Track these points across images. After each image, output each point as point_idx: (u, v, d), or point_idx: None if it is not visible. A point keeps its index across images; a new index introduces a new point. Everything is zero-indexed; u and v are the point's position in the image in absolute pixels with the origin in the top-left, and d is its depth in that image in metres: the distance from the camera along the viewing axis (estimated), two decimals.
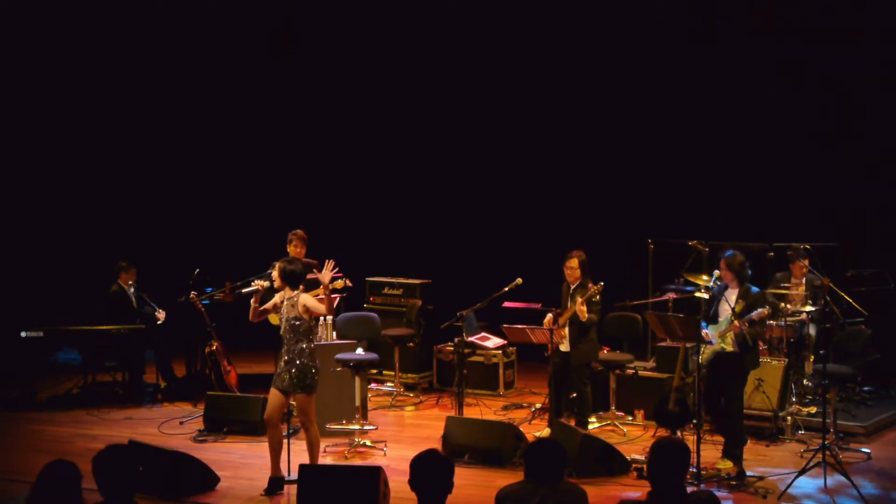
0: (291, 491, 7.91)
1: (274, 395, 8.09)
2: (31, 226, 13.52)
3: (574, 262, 9.58)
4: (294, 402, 8.19)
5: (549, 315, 9.62)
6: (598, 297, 9.47)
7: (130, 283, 11.44)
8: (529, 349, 10.57)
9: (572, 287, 9.60)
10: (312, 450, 8.17)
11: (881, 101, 11.90)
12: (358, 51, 14.19)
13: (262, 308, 8.27)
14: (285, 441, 8.26)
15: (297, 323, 8.01)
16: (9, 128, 13.51)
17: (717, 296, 8.64)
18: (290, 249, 10.14)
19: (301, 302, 8.05)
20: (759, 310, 8.25)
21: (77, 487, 4.58)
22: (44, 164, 13.77)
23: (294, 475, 7.80)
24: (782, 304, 10.23)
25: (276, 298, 8.19)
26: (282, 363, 8.07)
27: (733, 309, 8.34)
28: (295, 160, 14.46)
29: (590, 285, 9.46)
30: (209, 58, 14.26)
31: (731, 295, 8.48)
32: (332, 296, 9.63)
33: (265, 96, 14.45)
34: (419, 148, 14.06)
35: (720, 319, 8.53)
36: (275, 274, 8.14)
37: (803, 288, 10.51)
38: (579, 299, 9.39)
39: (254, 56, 14.39)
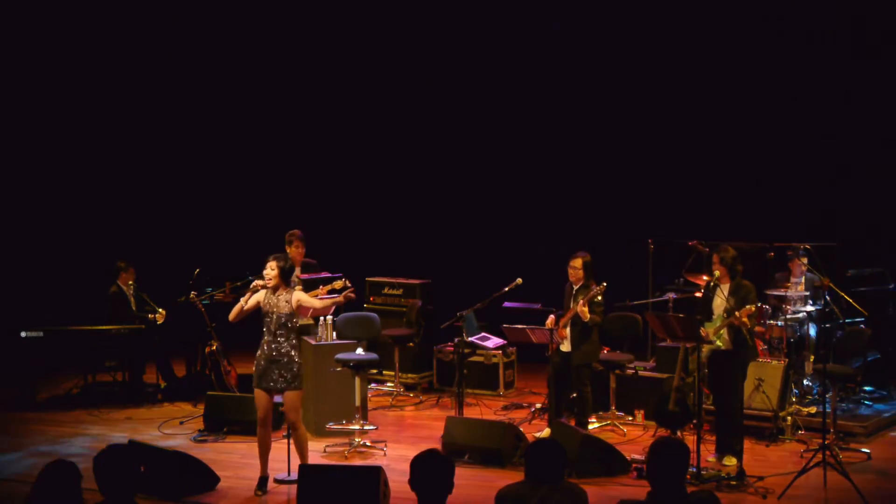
0: (291, 491, 7.91)
1: (261, 396, 8.04)
2: (30, 226, 13.52)
3: (578, 263, 9.57)
4: (283, 401, 8.10)
5: (552, 316, 9.62)
6: (600, 297, 9.45)
7: (130, 283, 11.44)
8: (529, 349, 10.57)
9: (575, 287, 9.60)
10: (303, 448, 8.14)
11: (880, 100, 11.92)
12: (358, 50, 14.18)
13: (248, 308, 8.12)
14: (284, 441, 8.28)
15: (289, 320, 7.99)
16: (9, 128, 13.50)
17: (710, 292, 8.67)
18: (292, 250, 10.15)
19: (295, 298, 8.02)
20: (747, 306, 8.28)
21: (77, 487, 4.58)
22: (43, 164, 13.76)
23: (294, 475, 7.80)
24: (786, 306, 10.24)
25: (260, 297, 8.06)
26: (262, 362, 7.98)
27: (732, 307, 8.37)
28: (294, 160, 14.45)
29: (592, 286, 9.45)
30: (209, 57, 14.26)
31: (724, 291, 8.50)
32: (332, 296, 9.67)
33: (265, 96, 14.45)
34: (419, 148, 14.06)
35: (714, 316, 8.56)
36: (273, 273, 8.01)
37: (802, 287, 10.50)
38: (581, 300, 9.39)
39: (253, 55, 14.38)
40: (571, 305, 9.54)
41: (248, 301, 8.09)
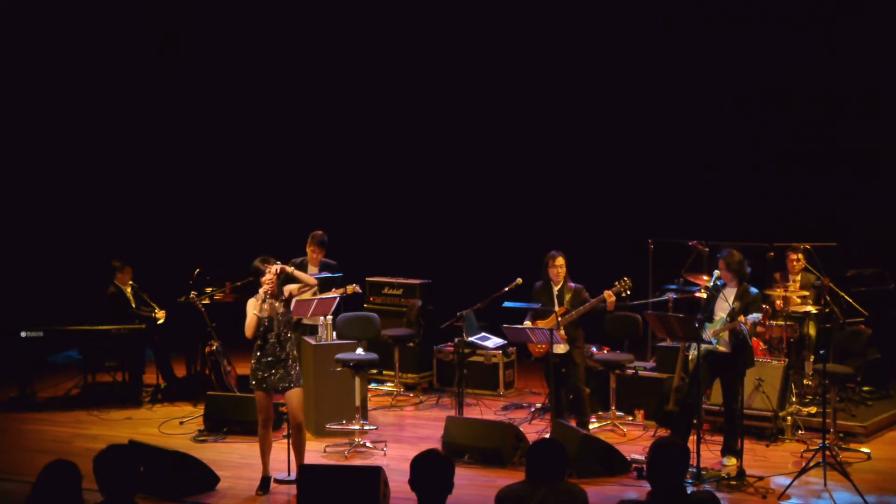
0: (291, 491, 7.92)
1: (262, 398, 8.08)
2: (30, 226, 13.52)
3: (562, 261, 9.59)
4: (286, 400, 8.12)
5: (528, 322, 9.61)
6: (627, 292, 9.52)
7: (129, 282, 11.43)
8: (529, 349, 10.55)
9: (557, 287, 9.59)
10: (303, 450, 8.16)
11: (879, 100, 11.92)
12: (358, 51, 14.18)
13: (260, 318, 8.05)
14: (285, 441, 8.28)
15: (289, 320, 8.08)
16: (8, 128, 13.50)
17: (714, 294, 8.65)
18: (309, 251, 10.31)
19: (286, 291, 8.10)
20: (755, 314, 8.26)
21: (77, 487, 4.58)
22: (43, 165, 13.77)
23: (294, 475, 7.81)
24: (779, 303, 10.24)
25: (267, 308, 8.01)
26: (264, 364, 7.97)
27: (733, 308, 8.37)
28: (295, 160, 14.45)
29: (618, 282, 9.40)
30: (208, 57, 14.26)
31: (730, 294, 8.50)
32: (332, 297, 9.73)
33: (266, 96, 14.45)
34: (419, 148, 14.06)
35: (715, 318, 8.55)
36: (273, 277, 7.99)
37: (798, 284, 10.47)
38: (607, 292, 9.37)
39: (254, 56, 14.39)
40: (566, 305, 9.52)
41: (258, 311, 8.01)
